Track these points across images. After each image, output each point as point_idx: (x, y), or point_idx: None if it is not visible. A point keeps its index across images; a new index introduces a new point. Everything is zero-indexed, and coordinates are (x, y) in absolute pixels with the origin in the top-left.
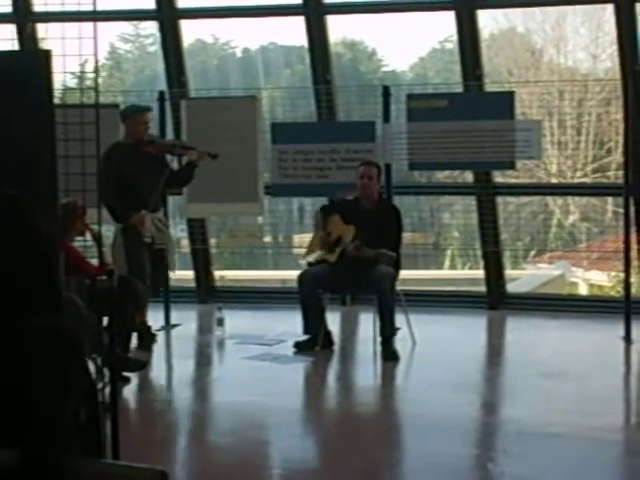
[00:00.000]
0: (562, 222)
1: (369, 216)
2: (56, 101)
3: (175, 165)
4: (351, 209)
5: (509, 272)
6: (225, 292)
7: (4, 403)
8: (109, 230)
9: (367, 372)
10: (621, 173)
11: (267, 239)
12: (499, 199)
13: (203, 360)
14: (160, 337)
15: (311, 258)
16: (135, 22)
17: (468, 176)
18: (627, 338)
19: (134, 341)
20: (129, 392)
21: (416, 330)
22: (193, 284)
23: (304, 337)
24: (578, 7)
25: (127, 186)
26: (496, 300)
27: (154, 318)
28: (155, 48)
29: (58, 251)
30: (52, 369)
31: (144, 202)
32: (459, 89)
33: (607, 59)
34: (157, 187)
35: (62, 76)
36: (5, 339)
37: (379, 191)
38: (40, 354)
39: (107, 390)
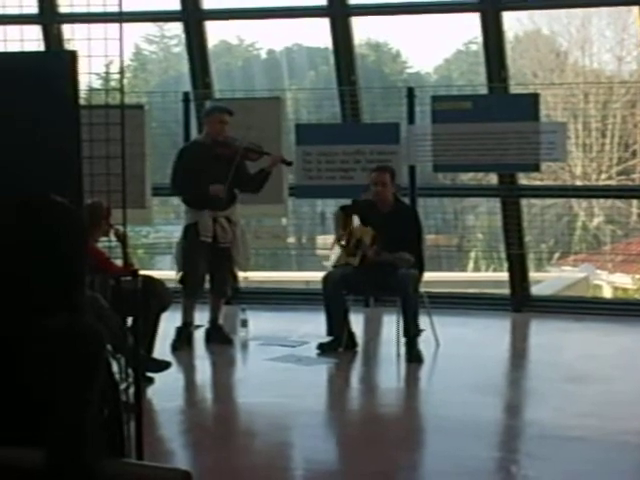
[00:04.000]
0: (586, 224)
1: (387, 220)
2: (81, 102)
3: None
4: (369, 211)
5: (533, 274)
6: (249, 293)
7: (28, 403)
8: (133, 231)
9: (390, 374)
10: None
11: (291, 240)
12: (523, 201)
13: (226, 361)
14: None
15: (337, 261)
16: (160, 23)
17: (492, 178)
18: None
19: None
20: (153, 392)
21: (440, 332)
22: None
23: (328, 339)
24: (603, 9)
25: (194, 183)
26: (520, 302)
27: (177, 319)
28: (180, 49)
29: (84, 252)
30: (72, 368)
31: (210, 200)
32: (484, 91)
33: (632, 61)
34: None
35: (87, 77)
36: (24, 339)
37: (394, 192)
38: (59, 353)
39: (131, 390)
